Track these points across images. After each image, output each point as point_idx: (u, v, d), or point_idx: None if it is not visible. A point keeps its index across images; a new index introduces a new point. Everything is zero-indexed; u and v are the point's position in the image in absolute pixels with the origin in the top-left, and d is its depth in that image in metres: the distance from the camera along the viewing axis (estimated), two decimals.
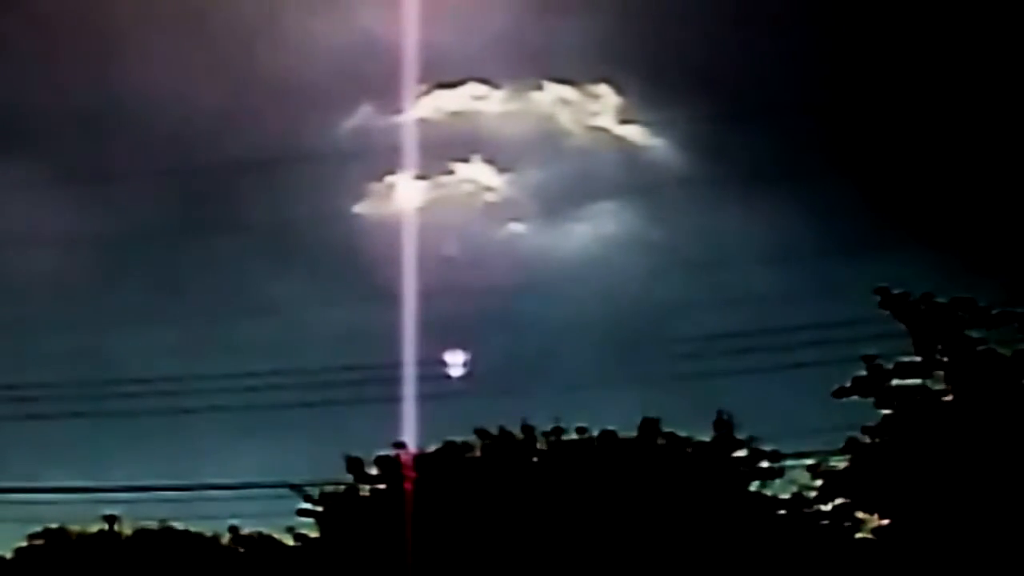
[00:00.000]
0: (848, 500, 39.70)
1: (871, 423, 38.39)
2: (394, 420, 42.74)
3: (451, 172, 58.55)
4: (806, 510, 41.64)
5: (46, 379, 47.09)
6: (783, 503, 42.24)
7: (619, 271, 56.96)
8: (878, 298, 38.29)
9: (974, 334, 38.05)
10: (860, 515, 40.49)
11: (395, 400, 42.53)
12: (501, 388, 46.11)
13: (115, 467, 49.27)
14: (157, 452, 51.17)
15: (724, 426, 42.61)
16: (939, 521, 36.81)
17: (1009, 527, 35.86)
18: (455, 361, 43.89)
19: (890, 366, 38.12)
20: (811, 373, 41.05)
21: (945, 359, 38.01)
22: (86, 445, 50.72)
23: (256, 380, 44.79)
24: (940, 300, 38.30)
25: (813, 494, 40.70)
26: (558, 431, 43.72)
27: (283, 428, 49.25)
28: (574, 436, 43.97)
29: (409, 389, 42.22)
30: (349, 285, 56.73)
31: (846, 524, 40.97)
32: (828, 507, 40.81)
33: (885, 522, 39.13)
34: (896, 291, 38.42)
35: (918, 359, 38.15)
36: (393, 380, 42.40)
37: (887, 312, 38.37)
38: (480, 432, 44.46)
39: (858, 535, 41.11)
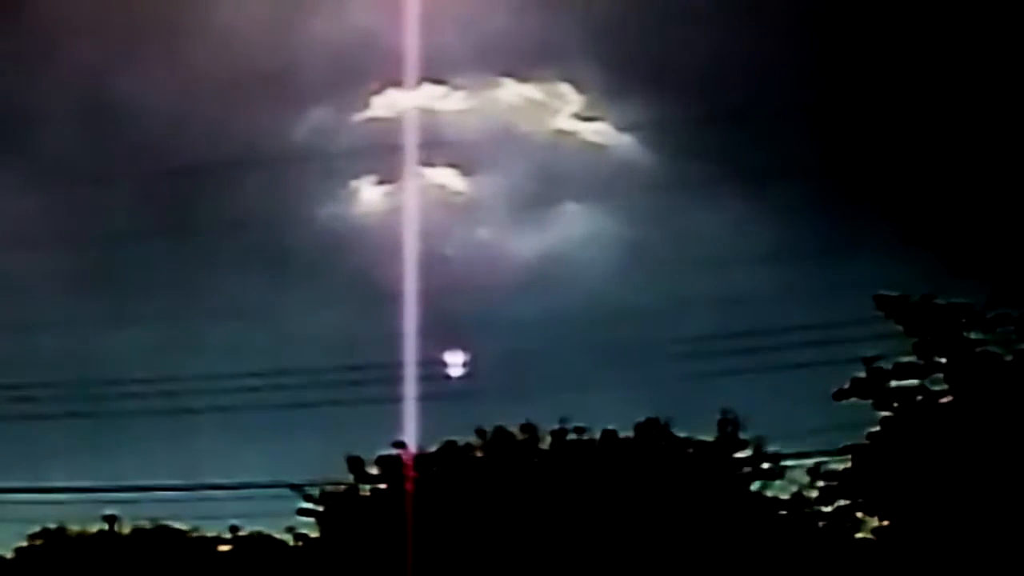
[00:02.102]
0: (849, 502, 39.80)
1: (872, 426, 38.56)
2: (395, 420, 42.84)
3: (418, 176, 58.34)
4: (806, 511, 41.72)
5: (46, 379, 47.12)
6: (784, 504, 42.35)
7: (596, 271, 56.57)
8: (875, 303, 38.41)
9: (972, 336, 38.20)
10: (860, 516, 40.62)
11: (394, 400, 42.61)
12: (490, 388, 46.09)
13: (115, 467, 49.18)
14: (157, 452, 51.10)
15: (729, 425, 42.67)
16: (939, 522, 36.90)
17: (1009, 527, 35.94)
18: (455, 361, 43.91)
19: (889, 367, 38.26)
20: (811, 373, 41.01)
21: (944, 360, 38.11)
22: (86, 445, 50.61)
23: (256, 380, 44.82)
24: (939, 301, 38.41)
25: (814, 495, 40.83)
26: (563, 432, 43.83)
27: (283, 428, 49.24)
28: (573, 436, 44.15)
29: (409, 389, 42.26)
30: (332, 288, 56.50)
31: (846, 525, 41.05)
32: (828, 508, 40.91)
33: (885, 523, 39.24)
34: (887, 293, 38.55)
35: (918, 361, 38.27)
36: (390, 380, 42.46)
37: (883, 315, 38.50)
38: (479, 432, 44.62)
39: (858, 535, 41.24)
